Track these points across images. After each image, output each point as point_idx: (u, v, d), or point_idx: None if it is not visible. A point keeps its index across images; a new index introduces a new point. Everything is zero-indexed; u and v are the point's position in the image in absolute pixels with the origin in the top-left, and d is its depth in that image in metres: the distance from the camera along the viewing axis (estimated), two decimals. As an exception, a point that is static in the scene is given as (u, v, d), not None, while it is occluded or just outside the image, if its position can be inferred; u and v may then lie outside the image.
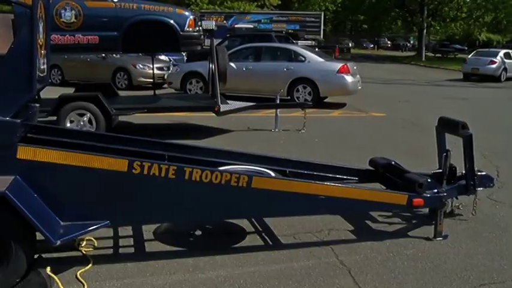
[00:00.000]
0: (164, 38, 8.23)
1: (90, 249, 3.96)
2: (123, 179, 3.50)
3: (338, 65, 12.72)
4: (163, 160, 4.03)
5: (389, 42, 72.63)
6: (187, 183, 3.58)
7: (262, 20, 34.86)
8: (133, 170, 3.46)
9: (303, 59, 12.96)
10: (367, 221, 4.76)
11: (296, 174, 4.67)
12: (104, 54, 15.49)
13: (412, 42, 68.42)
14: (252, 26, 31.59)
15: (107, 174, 3.45)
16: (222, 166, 4.32)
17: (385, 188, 4.65)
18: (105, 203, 3.55)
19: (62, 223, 3.42)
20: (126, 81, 16.17)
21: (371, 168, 4.97)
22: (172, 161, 3.95)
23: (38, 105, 4.01)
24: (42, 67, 3.72)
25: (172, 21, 8.14)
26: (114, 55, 15.57)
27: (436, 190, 4.35)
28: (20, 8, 7.17)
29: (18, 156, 3.32)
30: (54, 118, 7.77)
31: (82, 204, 3.51)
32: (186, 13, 8.59)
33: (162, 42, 8.44)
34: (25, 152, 3.34)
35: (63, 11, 7.89)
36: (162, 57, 17.36)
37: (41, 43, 3.65)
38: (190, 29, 8.29)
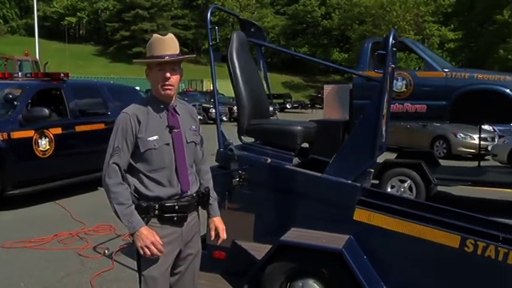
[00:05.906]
0: (498, 108, 7.75)
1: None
2: (452, 255, 3.36)
3: None
4: (496, 241, 3.71)
5: None
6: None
7: None
8: (465, 248, 3.30)
9: None
10: None
11: None
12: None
13: None
14: None
15: (436, 248, 3.38)
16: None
17: None
18: (426, 276, 3.46)
19: (385, 289, 3.49)
20: (444, 150, 15.81)
21: None
22: (507, 244, 3.60)
23: (372, 170, 4.24)
24: (383, 134, 3.93)
25: (508, 91, 7.63)
26: (435, 123, 15.44)
27: None
28: (359, 80, 7.89)
29: (354, 218, 3.55)
30: (376, 182, 8.09)
31: (404, 274, 3.51)
32: (525, 81, 7.94)
33: (495, 112, 7.95)
34: (361, 215, 3.55)
35: (395, 81, 8.25)
36: (486, 127, 16.37)
37: (383, 113, 3.87)
38: (530, 99, 7.61)
